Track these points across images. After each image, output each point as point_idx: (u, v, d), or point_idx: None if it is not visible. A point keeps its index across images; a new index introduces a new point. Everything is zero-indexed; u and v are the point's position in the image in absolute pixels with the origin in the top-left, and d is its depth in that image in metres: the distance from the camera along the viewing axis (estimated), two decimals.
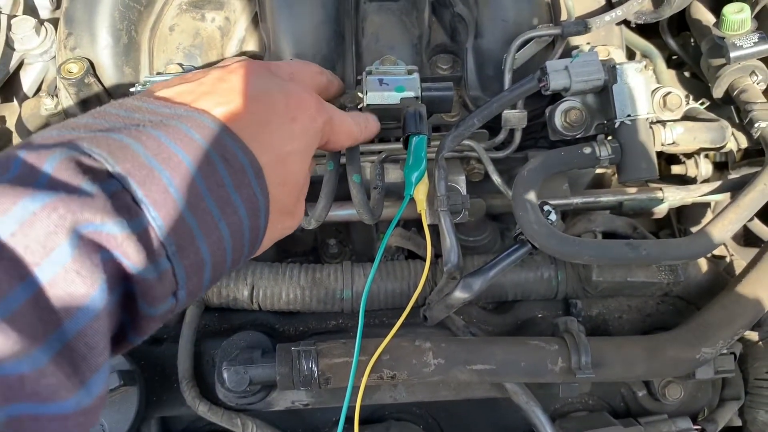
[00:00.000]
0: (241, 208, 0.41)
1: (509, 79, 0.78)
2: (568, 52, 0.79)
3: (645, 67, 0.73)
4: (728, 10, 0.79)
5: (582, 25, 0.77)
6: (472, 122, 0.74)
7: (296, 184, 0.49)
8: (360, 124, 0.62)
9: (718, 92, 0.83)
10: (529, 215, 0.70)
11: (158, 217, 0.35)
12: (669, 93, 0.76)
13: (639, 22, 0.84)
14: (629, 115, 0.72)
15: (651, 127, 0.74)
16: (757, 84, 0.81)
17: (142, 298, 0.35)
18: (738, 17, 0.78)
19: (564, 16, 0.81)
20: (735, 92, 0.81)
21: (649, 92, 0.74)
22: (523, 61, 0.79)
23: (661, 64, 0.90)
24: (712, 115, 0.80)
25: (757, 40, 0.78)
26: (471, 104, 0.82)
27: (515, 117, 0.78)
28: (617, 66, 0.73)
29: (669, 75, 0.90)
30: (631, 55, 0.94)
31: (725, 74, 0.81)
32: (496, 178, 0.77)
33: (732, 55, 0.78)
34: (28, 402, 0.28)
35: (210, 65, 0.75)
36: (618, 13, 0.77)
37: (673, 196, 0.78)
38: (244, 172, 0.41)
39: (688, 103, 0.82)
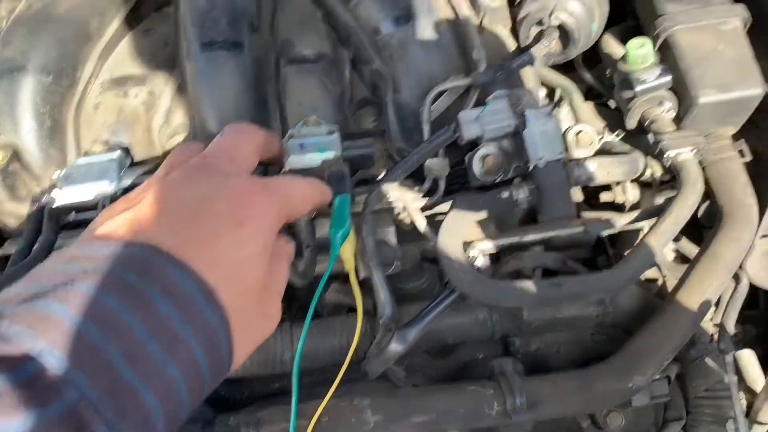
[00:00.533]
0: (192, 342, 0.38)
1: (427, 130, 0.80)
2: (485, 97, 0.82)
3: (559, 104, 0.75)
4: (631, 45, 0.83)
5: (491, 73, 0.80)
6: (395, 175, 0.76)
7: (261, 287, 0.47)
8: (313, 184, 0.60)
9: (631, 123, 0.86)
10: (453, 264, 0.72)
11: (88, 388, 0.32)
12: (581, 131, 0.79)
13: (548, 64, 0.87)
14: (542, 158, 0.75)
15: (565, 167, 0.77)
16: (667, 112, 0.85)
17: None
18: (640, 52, 0.82)
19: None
20: (646, 122, 0.85)
21: (560, 133, 0.77)
22: (439, 112, 0.82)
23: (578, 98, 0.93)
24: (627, 147, 0.83)
25: (659, 74, 0.82)
26: (396, 156, 0.84)
27: (437, 166, 0.80)
28: (526, 112, 0.75)
29: (587, 108, 0.93)
30: (550, 91, 0.97)
31: (635, 106, 0.85)
32: (422, 228, 0.79)
33: (637, 89, 0.82)
34: None
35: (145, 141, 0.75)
36: (525, 59, 0.80)
37: (594, 230, 0.80)
38: (192, 301, 0.39)
39: (603, 137, 0.85)
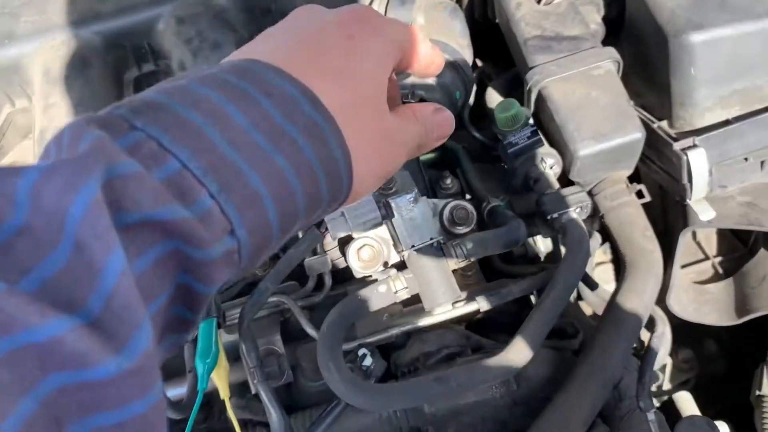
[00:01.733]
0: (300, 139, 0.36)
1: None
2: None
3: (415, 199, 0.72)
4: (497, 108, 0.80)
5: None
6: (265, 287, 0.73)
7: (377, 115, 0.41)
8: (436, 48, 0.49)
9: (516, 183, 0.83)
10: (333, 375, 0.68)
11: (190, 158, 0.32)
12: (456, 207, 0.76)
13: None
14: (413, 246, 0.72)
15: (442, 249, 0.74)
16: (551, 168, 0.82)
17: (187, 243, 0.31)
18: (506, 115, 0.79)
19: None
20: (531, 181, 0.82)
21: (430, 216, 0.74)
22: None
23: (465, 161, 0.90)
24: (510, 214, 0.80)
25: (530, 135, 0.79)
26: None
27: (318, 263, 0.78)
28: (390, 201, 0.72)
29: (474, 172, 0.90)
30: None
31: (516, 166, 0.82)
32: (309, 330, 0.76)
33: (509, 152, 0.79)
34: (67, 370, 0.26)
35: None
36: None
37: (485, 305, 0.77)
38: (295, 102, 0.37)
39: (488, 204, 0.82)
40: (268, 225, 0.35)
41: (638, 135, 0.79)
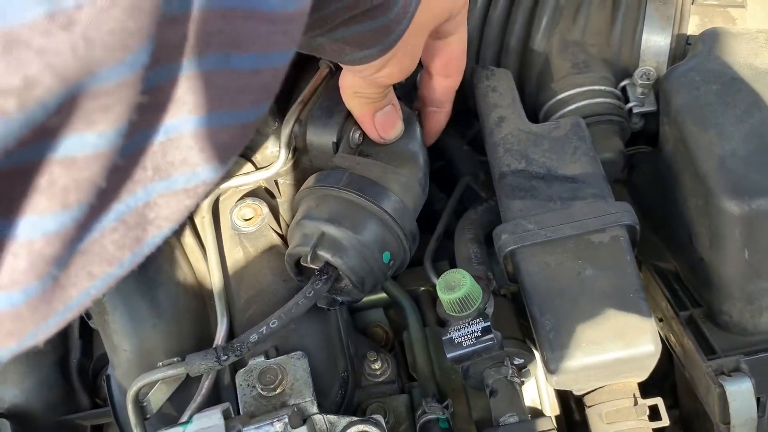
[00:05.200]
0: None
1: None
2: None
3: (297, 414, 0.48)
4: (439, 284, 0.53)
5: (212, 357, 0.53)
6: None
7: None
8: None
9: (470, 384, 0.57)
10: None
11: None
12: None
13: (334, 306, 0.59)
14: None
15: None
16: (518, 372, 0.55)
17: None
18: (449, 297, 0.53)
19: None
20: (486, 390, 0.55)
21: None
22: (158, 406, 0.56)
23: (414, 328, 0.65)
24: None
25: (480, 333, 0.52)
26: None
27: None
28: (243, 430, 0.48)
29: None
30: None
31: (467, 368, 0.56)
32: None
33: (447, 355, 0.53)
34: None
35: None
36: (274, 324, 0.53)
37: None
38: None
39: (425, 412, 0.56)
40: None
41: (649, 349, 0.51)
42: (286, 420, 0.50)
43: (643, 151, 0.74)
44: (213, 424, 0.49)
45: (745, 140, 0.53)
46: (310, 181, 0.59)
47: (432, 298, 0.69)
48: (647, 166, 0.71)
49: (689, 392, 0.63)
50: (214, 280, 0.59)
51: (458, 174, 0.76)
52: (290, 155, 0.63)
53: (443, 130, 0.65)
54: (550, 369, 0.52)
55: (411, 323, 0.66)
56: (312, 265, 0.55)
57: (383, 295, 0.70)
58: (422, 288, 0.70)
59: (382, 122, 0.58)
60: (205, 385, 0.54)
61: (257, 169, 0.63)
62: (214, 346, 0.55)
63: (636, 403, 0.58)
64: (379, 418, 0.53)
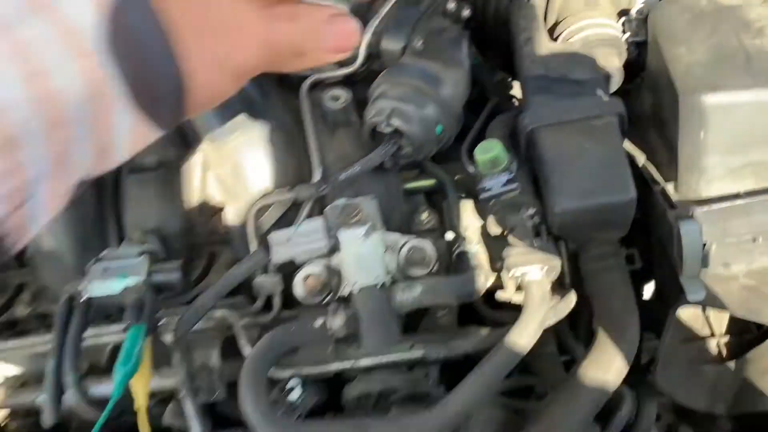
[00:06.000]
0: None
1: (255, 245, 0.75)
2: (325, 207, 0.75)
3: (367, 233, 0.69)
4: (478, 149, 0.74)
5: (315, 187, 0.74)
6: (202, 302, 0.71)
7: None
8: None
9: (492, 230, 0.78)
10: (248, 405, 0.66)
11: None
12: (413, 248, 0.72)
13: (396, 167, 0.80)
14: (356, 283, 0.68)
15: (387, 291, 0.69)
16: (531, 218, 0.76)
17: None
18: (483, 158, 0.73)
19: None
20: (506, 231, 0.76)
21: (379, 255, 0.70)
22: (269, 225, 0.77)
23: (452, 194, 0.85)
24: (475, 264, 0.75)
25: (505, 182, 0.73)
26: None
27: (269, 282, 0.75)
28: (339, 233, 0.69)
29: (460, 206, 0.84)
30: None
31: (492, 212, 0.76)
32: (245, 350, 0.73)
33: (480, 197, 0.73)
34: None
35: None
36: (357, 168, 0.74)
37: (430, 355, 0.72)
38: None
39: (458, 246, 0.77)
40: None
41: (628, 196, 0.72)
42: (362, 232, 0.70)
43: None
44: (317, 225, 0.70)
45: (705, 53, 0.72)
46: (384, 73, 0.79)
47: (464, 186, 0.89)
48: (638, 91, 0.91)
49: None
50: (310, 141, 0.79)
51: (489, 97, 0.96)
52: (366, 58, 0.83)
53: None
54: (556, 211, 0.72)
55: (450, 193, 0.86)
56: (384, 131, 0.75)
57: (425, 182, 0.90)
58: (457, 176, 0.90)
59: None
60: (306, 209, 0.75)
61: (341, 66, 0.84)
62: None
63: (616, 249, 0.78)
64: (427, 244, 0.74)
